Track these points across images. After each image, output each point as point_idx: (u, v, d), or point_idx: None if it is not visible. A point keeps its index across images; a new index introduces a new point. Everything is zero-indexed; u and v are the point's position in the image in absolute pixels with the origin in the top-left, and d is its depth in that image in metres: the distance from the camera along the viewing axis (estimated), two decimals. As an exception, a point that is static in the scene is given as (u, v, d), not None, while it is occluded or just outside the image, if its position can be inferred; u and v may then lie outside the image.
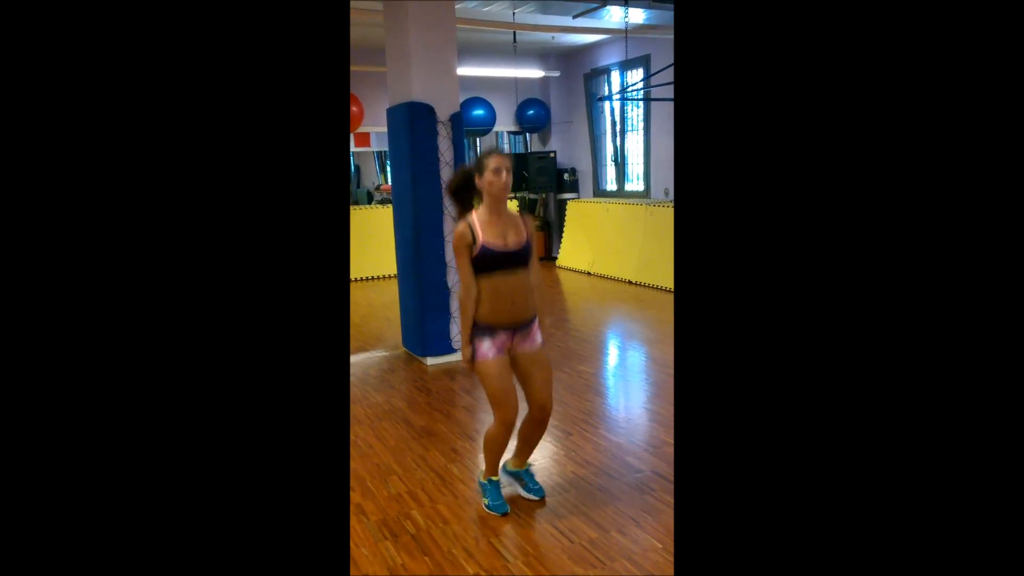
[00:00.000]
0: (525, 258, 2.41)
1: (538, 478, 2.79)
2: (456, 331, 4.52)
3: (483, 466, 2.65)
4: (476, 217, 2.40)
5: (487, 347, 2.41)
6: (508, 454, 2.72)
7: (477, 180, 2.40)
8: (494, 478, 2.61)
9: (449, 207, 4.42)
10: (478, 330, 2.42)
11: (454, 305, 4.50)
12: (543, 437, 3.20)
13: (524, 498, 2.66)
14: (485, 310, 2.40)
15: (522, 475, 2.70)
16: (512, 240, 2.38)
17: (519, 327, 2.44)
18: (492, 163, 2.36)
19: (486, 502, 2.59)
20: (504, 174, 2.35)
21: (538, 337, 2.51)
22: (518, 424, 2.54)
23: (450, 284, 4.53)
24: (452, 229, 4.48)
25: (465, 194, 2.48)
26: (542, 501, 2.64)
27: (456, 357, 4.51)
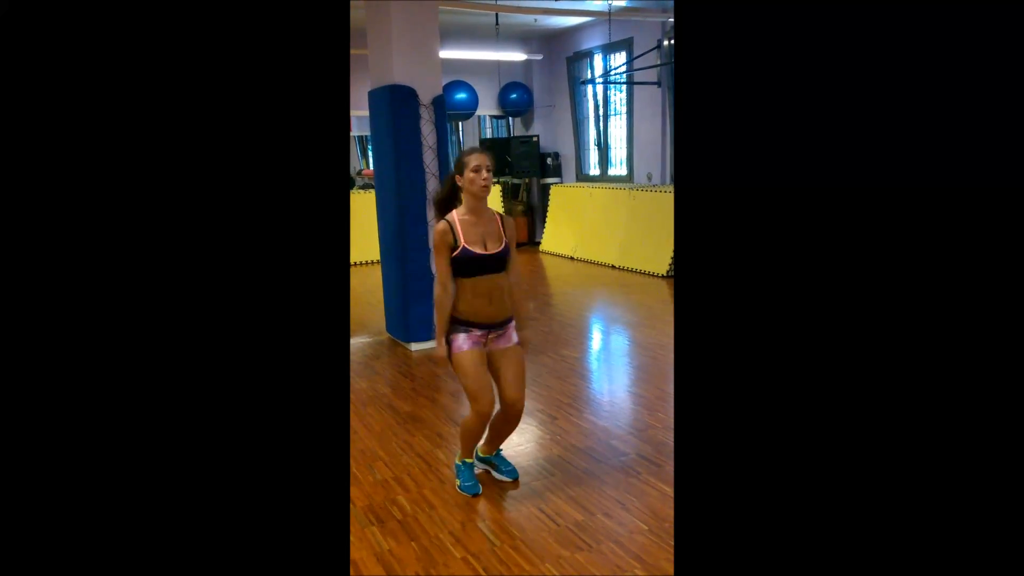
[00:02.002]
0: (503, 262, 2.45)
1: (524, 462, 2.81)
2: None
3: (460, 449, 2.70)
4: (457, 216, 2.41)
5: (462, 340, 2.44)
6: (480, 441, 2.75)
7: (457, 179, 2.42)
8: (468, 460, 2.67)
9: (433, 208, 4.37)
10: (454, 324, 2.45)
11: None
12: (528, 422, 3.22)
13: (497, 480, 2.70)
14: (463, 307, 2.43)
15: (493, 459, 2.74)
16: (492, 245, 2.41)
17: (495, 326, 2.47)
18: (472, 161, 2.37)
19: (458, 483, 2.65)
20: (484, 172, 2.37)
21: (514, 336, 2.54)
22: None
23: (433, 270, 4.50)
24: (434, 217, 4.46)
25: (449, 205, 2.50)
26: (516, 483, 2.66)
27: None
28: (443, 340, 2.47)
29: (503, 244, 2.44)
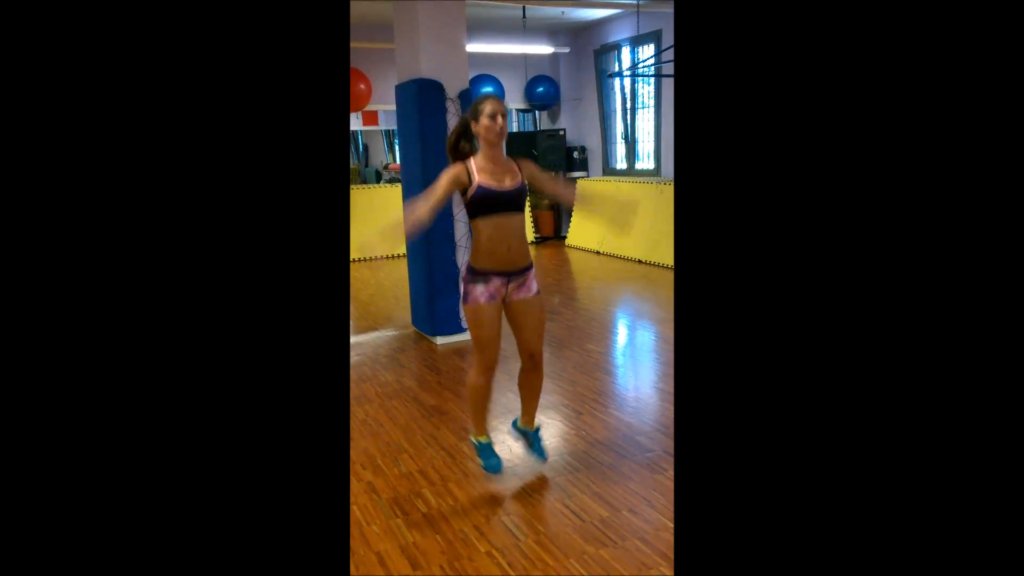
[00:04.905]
0: (520, 200, 2.43)
1: (549, 457, 2.80)
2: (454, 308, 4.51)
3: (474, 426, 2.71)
4: (474, 162, 2.41)
5: (480, 292, 2.44)
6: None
7: (473, 126, 2.41)
8: (483, 439, 2.67)
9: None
10: (473, 275, 2.45)
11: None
12: (552, 416, 3.21)
13: (528, 458, 2.75)
14: (482, 255, 2.42)
15: (529, 435, 2.76)
16: (508, 182, 2.39)
17: (515, 273, 2.46)
18: (487, 108, 2.36)
19: (481, 463, 2.68)
20: (499, 119, 2.36)
21: (534, 285, 2.54)
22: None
23: (459, 264, 4.51)
24: (457, 199, 4.46)
25: (464, 146, 2.47)
26: (543, 478, 2.65)
27: (465, 336, 4.50)
28: (399, 229, 2.36)
29: (520, 181, 2.42)
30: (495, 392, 3.61)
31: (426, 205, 2.33)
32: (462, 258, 4.51)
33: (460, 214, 4.47)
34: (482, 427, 2.67)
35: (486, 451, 2.67)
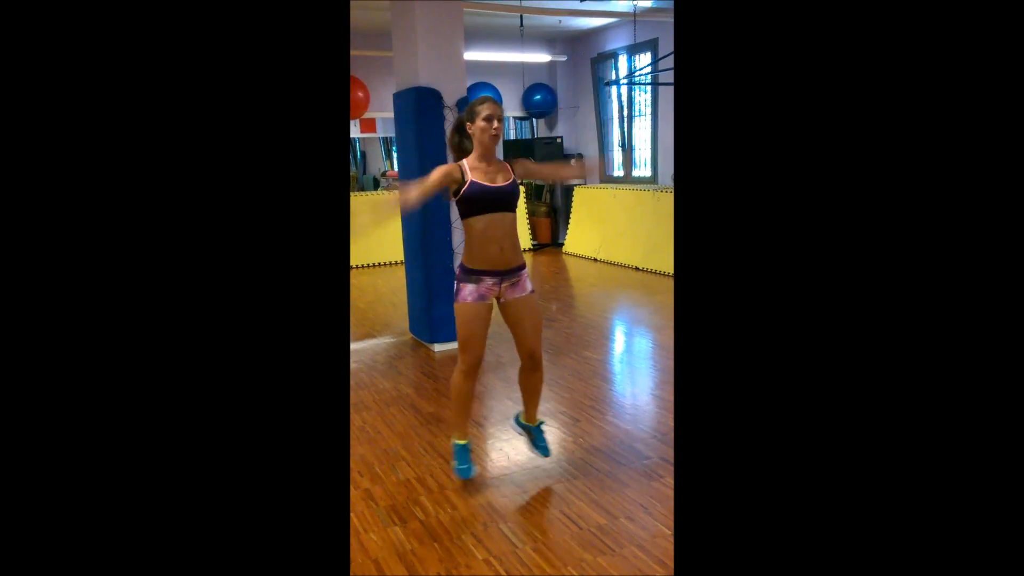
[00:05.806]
0: (513, 199, 2.48)
1: (546, 464, 2.81)
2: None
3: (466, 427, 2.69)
4: (467, 162, 2.46)
5: (468, 291, 2.48)
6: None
7: (468, 126, 2.45)
8: (460, 441, 2.67)
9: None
10: (466, 274, 2.49)
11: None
12: (550, 423, 3.21)
13: (526, 463, 2.77)
14: (473, 254, 2.47)
15: (532, 430, 2.80)
16: (500, 180, 2.45)
17: (507, 273, 2.50)
18: (484, 111, 2.41)
19: (453, 464, 2.68)
20: (495, 123, 2.41)
21: (528, 284, 2.57)
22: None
23: (456, 271, 4.52)
24: (453, 204, 4.47)
25: (465, 144, 2.52)
26: (540, 485, 2.65)
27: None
28: (403, 197, 2.43)
29: (511, 179, 2.47)
30: (492, 400, 3.62)
31: (417, 190, 2.39)
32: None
33: (458, 221, 4.47)
34: (462, 429, 2.67)
35: (462, 453, 2.67)
